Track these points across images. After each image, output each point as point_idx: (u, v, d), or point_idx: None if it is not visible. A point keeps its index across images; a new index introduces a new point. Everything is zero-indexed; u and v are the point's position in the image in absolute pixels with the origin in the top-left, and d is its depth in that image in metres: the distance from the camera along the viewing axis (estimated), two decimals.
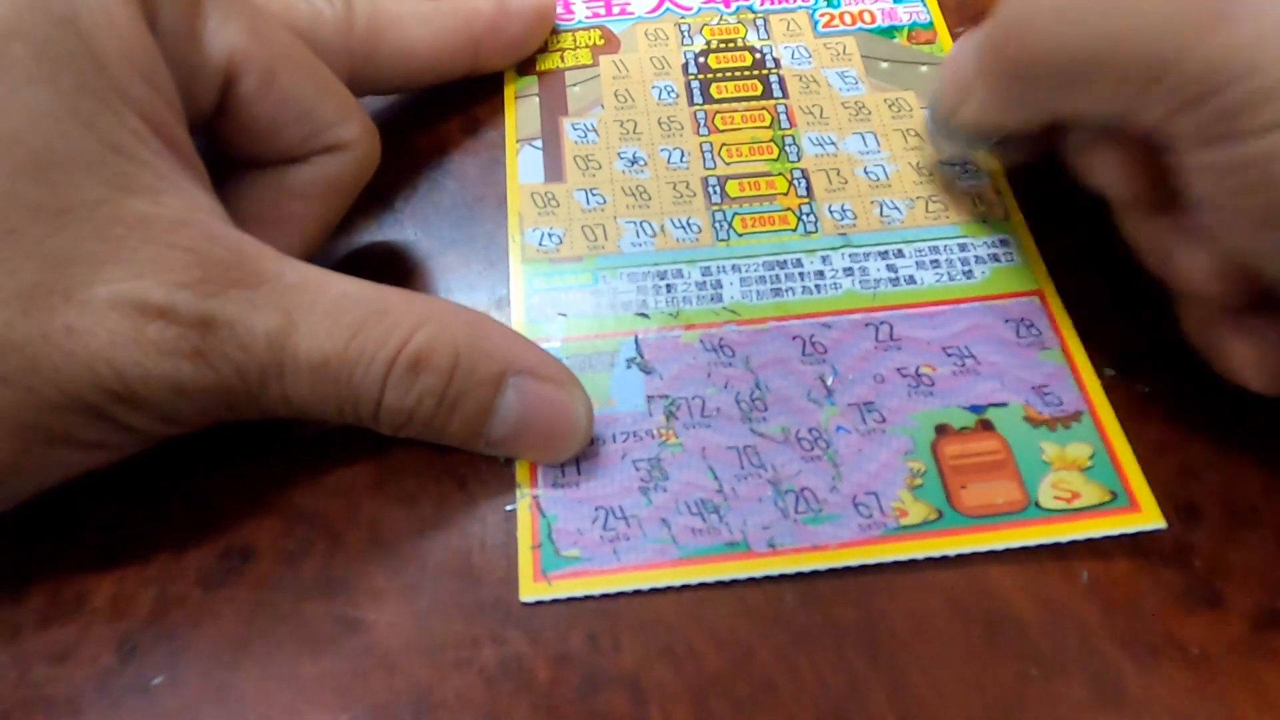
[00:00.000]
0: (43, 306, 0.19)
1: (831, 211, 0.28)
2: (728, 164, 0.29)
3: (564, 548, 0.23)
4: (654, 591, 0.22)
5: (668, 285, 0.27)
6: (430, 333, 0.21)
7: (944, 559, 0.22)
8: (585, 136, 0.30)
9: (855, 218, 0.28)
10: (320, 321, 0.21)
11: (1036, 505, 0.23)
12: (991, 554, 0.22)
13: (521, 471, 0.24)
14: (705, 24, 0.32)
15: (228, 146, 0.24)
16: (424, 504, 0.23)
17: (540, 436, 0.23)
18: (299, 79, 0.23)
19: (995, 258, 0.27)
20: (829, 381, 0.25)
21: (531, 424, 0.23)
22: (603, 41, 0.32)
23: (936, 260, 0.27)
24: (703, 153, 0.29)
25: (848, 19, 0.33)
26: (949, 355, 0.25)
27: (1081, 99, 0.22)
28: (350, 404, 0.21)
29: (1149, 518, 0.23)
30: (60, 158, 0.19)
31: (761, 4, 0.33)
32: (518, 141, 0.30)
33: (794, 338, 0.26)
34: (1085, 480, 0.23)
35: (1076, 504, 0.23)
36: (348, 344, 0.21)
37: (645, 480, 0.24)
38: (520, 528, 0.23)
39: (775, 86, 0.31)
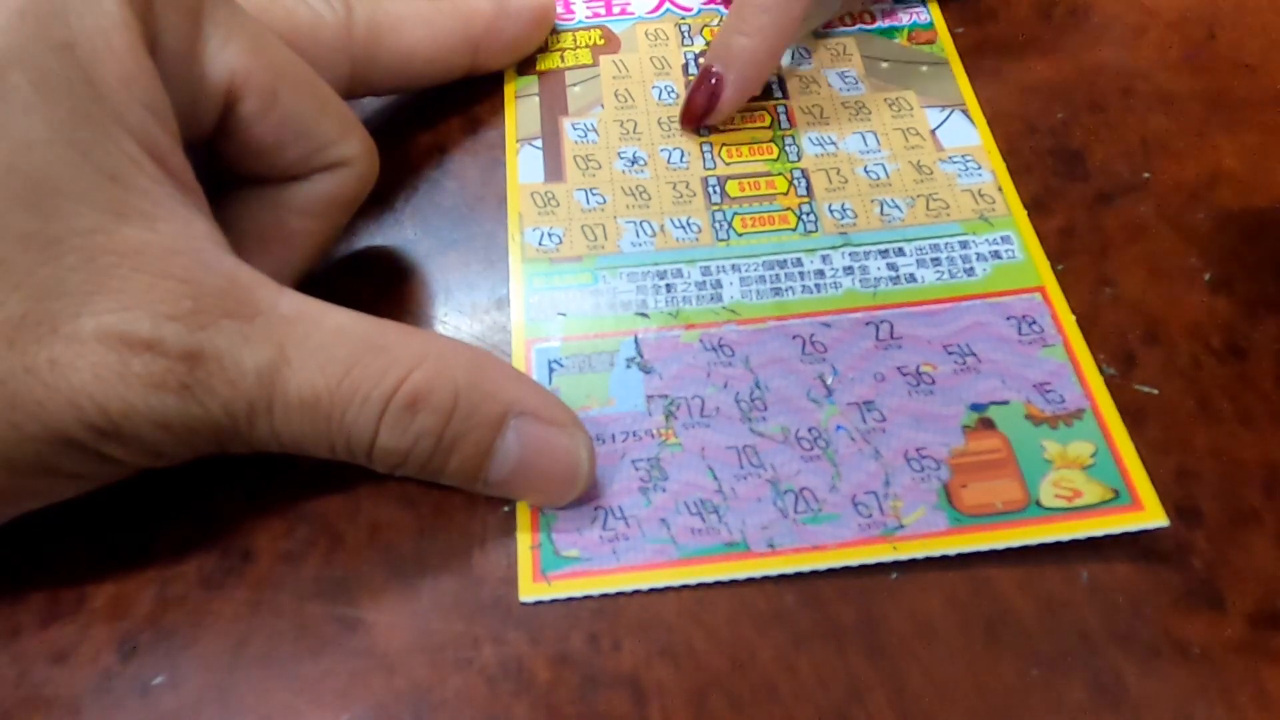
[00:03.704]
0: (28, 339, 0.18)
1: (831, 211, 0.28)
2: (728, 164, 0.29)
3: (563, 548, 0.23)
4: (654, 591, 0.22)
5: (667, 285, 0.27)
6: (429, 371, 0.21)
7: (944, 558, 0.22)
8: (585, 136, 0.30)
9: (855, 217, 0.28)
10: (313, 356, 0.20)
11: (1038, 504, 0.23)
12: (992, 554, 0.22)
13: None
14: (705, 24, 0.32)
15: (228, 165, 0.24)
16: (424, 504, 0.23)
17: (540, 480, 0.22)
18: (300, 98, 0.23)
19: (996, 254, 0.27)
20: (829, 381, 0.25)
21: (532, 467, 0.22)
22: (603, 41, 0.32)
23: (937, 258, 0.27)
24: (703, 153, 0.29)
25: (848, 19, 0.33)
26: (950, 354, 0.25)
27: None
28: (343, 442, 0.21)
29: (1152, 516, 0.23)
30: (55, 186, 0.19)
31: None
32: (518, 141, 0.30)
33: (794, 337, 0.26)
34: (1087, 479, 0.23)
35: (1078, 502, 0.23)
36: (341, 380, 0.20)
37: (645, 480, 0.24)
38: (519, 528, 0.23)
39: (775, 86, 0.31)
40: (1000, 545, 0.22)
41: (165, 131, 0.21)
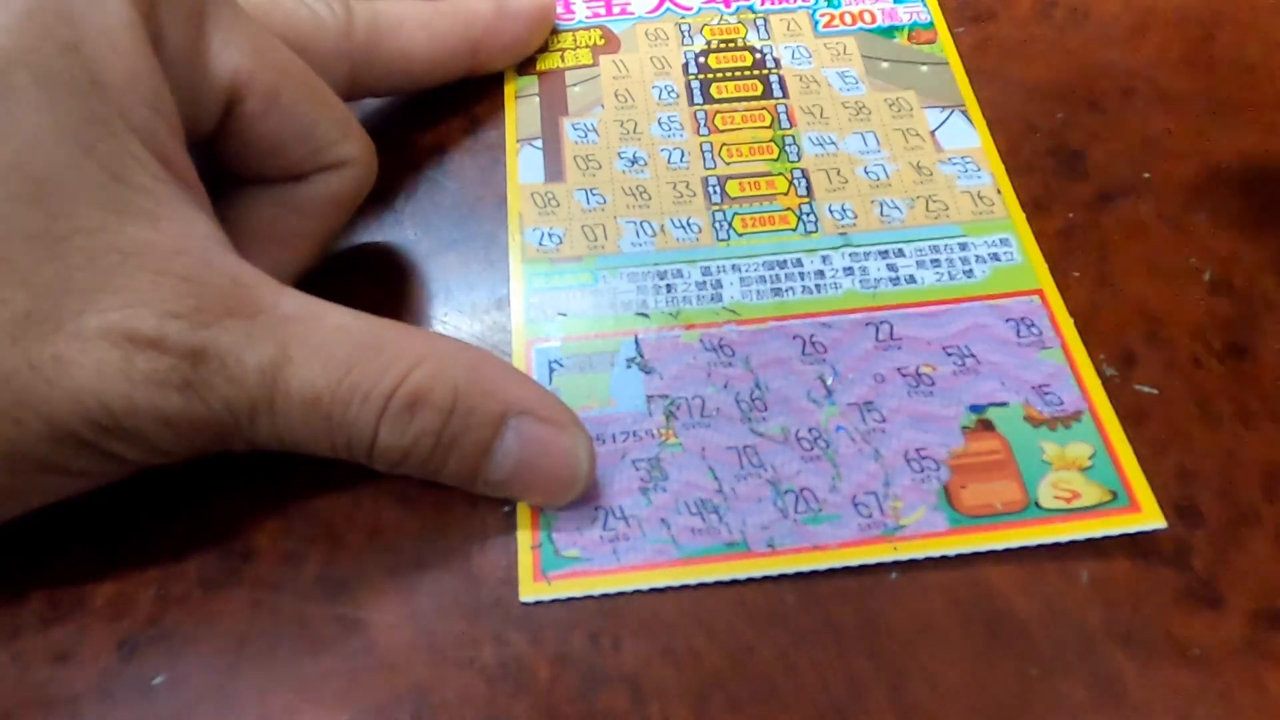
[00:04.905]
0: (32, 336, 0.18)
1: (831, 211, 0.28)
2: (728, 164, 0.29)
3: (564, 548, 0.23)
4: (654, 591, 0.22)
5: (668, 285, 0.27)
6: (429, 370, 0.21)
7: (944, 559, 0.22)
8: (585, 136, 0.30)
9: (855, 217, 0.28)
10: (315, 355, 0.20)
11: (1036, 505, 0.23)
12: (991, 554, 0.22)
13: None
14: (705, 24, 0.32)
15: (229, 164, 0.24)
16: (424, 504, 0.23)
17: (539, 480, 0.22)
18: (301, 98, 0.23)
19: (995, 257, 0.27)
20: (829, 381, 0.25)
21: (531, 467, 0.22)
22: (603, 41, 0.32)
23: (937, 259, 0.27)
24: (703, 153, 0.29)
25: (848, 19, 0.33)
26: (949, 355, 0.25)
27: None
28: (343, 441, 0.21)
29: (1149, 518, 0.23)
30: (59, 185, 0.19)
31: (762, 4, 0.33)
32: (518, 141, 0.30)
33: (794, 337, 0.26)
34: (1085, 480, 0.23)
35: (1076, 504, 0.23)
36: (342, 379, 0.20)
37: (645, 480, 0.24)
38: (520, 527, 0.23)
39: (775, 86, 0.31)
40: (999, 546, 0.22)
41: (169, 131, 0.21)
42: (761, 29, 0.32)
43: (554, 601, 0.22)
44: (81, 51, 0.19)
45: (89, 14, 0.19)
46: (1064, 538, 0.23)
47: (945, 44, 0.32)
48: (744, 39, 0.32)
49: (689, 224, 0.28)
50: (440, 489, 0.23)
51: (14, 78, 0.19)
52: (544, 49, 0.32)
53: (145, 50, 0.20)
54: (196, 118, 0.22)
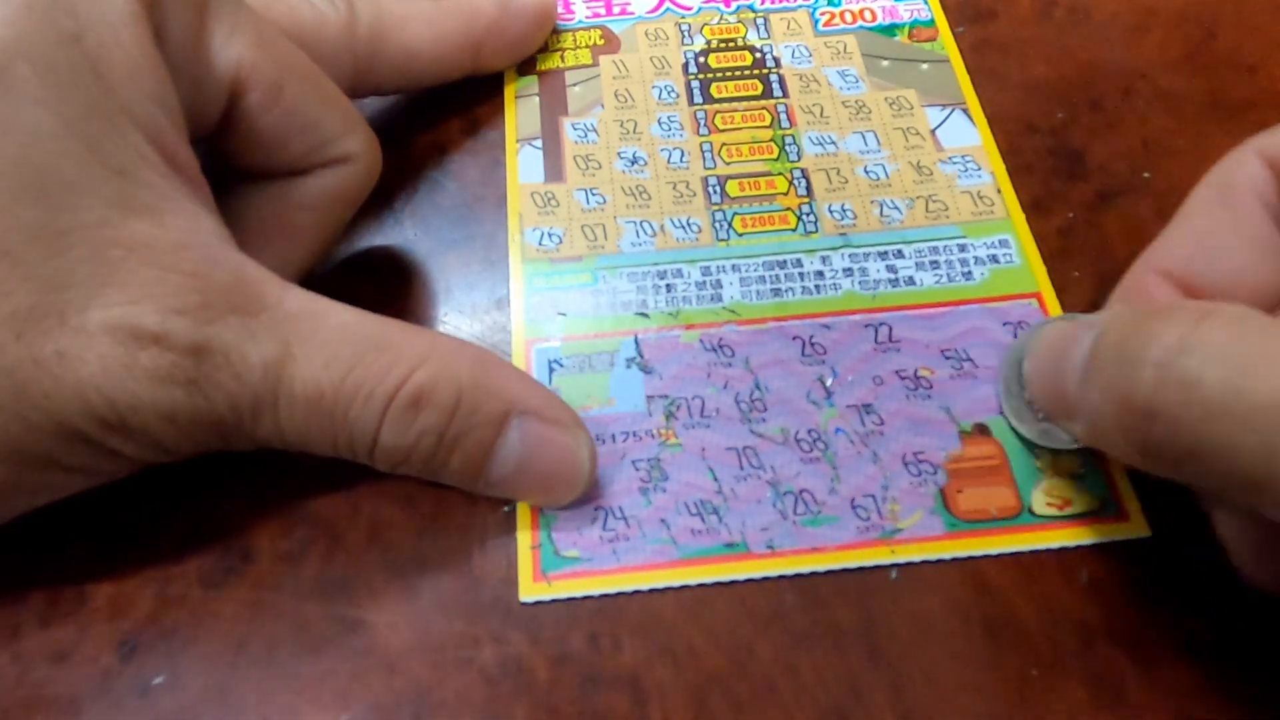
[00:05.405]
0: (36, 331, 0.18)
1: (831, 211, 0.28)
2: (728, 164, 0.29)
3: (563, 548, 0.23)
4: (654, 591, 0.22)
5: (668, 285, 0.27)
6: (432, 369, 0.21)
7: (942, 560, 0.22)
8: (585, 136, 0.30)
9: (855, 217, 0.28)
10: (318, 353, 0.20)
11: (1030, 511, 0.23)
12: (991, 554, 0.23)
13: None
14: (705, 23, 0.32)
15: (232, 159, 0.24)
16: (424, 504, 0.23)
17: (541, 479, 0.22)
18: (304, 92, 0.23)
19: (994, 259, 0.27)
20: (828, 383, 0.25)
21: (533, 467, 0.22)
22: (603, 41, 0.32)
23: (936, 261, 0.27)
24: (703, 152, 0.29)
25: (848, 17, 0.33)
26: (947, 358, 0.25)
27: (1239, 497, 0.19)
28: (345, 439, 0.21)
29: (1135, 528, 0.23)
30: (62, 179, 0.19)
31: (762, 3, 0.33)
32: (518, 141, 0.30)
33: (794, 338, 0.26)
34: (1076, 488, 0.23)
35: (1068, 511, 0.23)
36: (345, 377, 0.20)
37: (645, 480, 0.24)
38: (520, 527, 0.23)
39: (775, 86, 0.31)
40: (994, 551, 0.23)
41: (172, 125, 0.21)
42: (761, 28, 0.32)
43: (554, 601, 0.22)
44: (83, 44, 0.19)
45: (91, 6, 0.19)
46: (1055, 544, 0.23)
47: (946, 41, 0.32)
48: (744, 38, 0.32)
49: (689, 224, 0.28)
50: (440, 489, 0.23)
51: (16, 70, 0.19)
52: (544, 49, 0.32)
53: (148, 43, 0.20)
54: (199, 111, 0.22)
